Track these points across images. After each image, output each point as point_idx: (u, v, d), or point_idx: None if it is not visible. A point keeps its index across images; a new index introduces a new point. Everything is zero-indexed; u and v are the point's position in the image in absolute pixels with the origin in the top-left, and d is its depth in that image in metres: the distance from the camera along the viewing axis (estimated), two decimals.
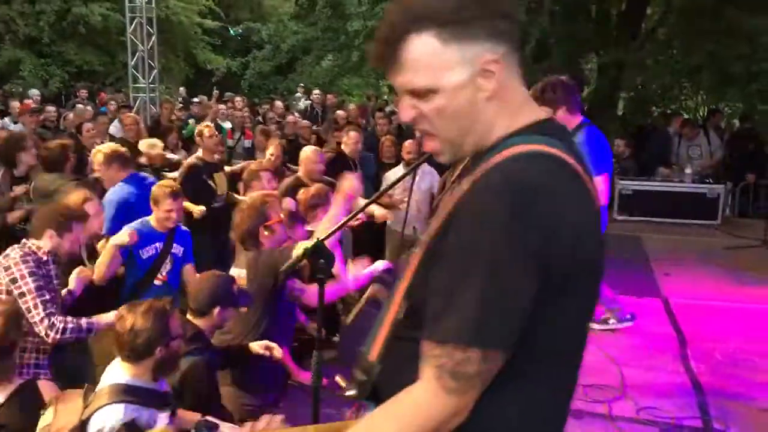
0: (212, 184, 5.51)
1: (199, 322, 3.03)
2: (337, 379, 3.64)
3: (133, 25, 11.46)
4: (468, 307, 1.07)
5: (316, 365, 2.10)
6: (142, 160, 6.15)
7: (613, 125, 12.46)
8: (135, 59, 11.46)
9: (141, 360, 2.36)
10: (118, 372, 2.41)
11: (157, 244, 4.02)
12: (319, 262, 1.87)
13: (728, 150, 9.82)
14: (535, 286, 1.08)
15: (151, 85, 11.54)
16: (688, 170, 8.32)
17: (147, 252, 3.98)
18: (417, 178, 6.94)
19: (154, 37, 11.62)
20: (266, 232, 3.56)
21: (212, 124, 6.70)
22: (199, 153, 5.73)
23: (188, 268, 4.14)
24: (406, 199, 6.95)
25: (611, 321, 4.76)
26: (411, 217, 7.00)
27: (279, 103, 12.92)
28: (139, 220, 4.07)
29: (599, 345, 4.42)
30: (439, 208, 1.24)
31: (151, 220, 4.06)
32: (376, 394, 1.26)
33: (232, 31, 23.43)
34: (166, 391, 2.57)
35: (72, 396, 2.49)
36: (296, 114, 11.34)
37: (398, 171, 7.18)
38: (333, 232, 2.12)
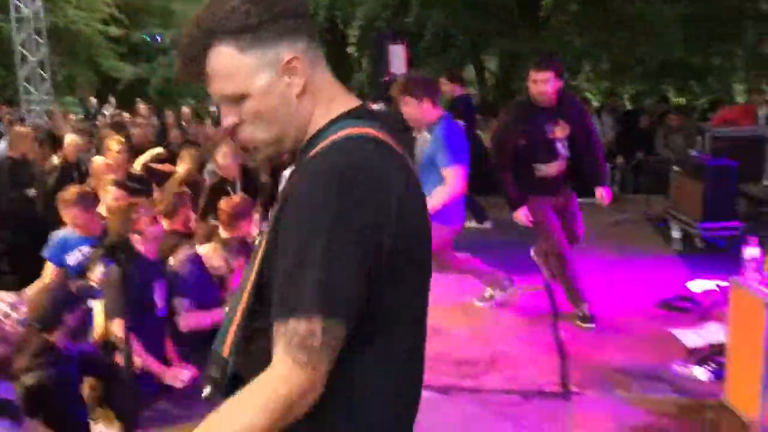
0: None
1: (53, 336, 3.00)
2: None
3: (23, 36, 11.11)
4: (307, 284, 1.12)
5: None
6: None
7: None
8: (26, 71, 11.11)
9: None
10: None
11: (83, 248, 3.96)
12: (120, 258, 1.92)
13: (619, 129, 10.34)
14: (369, 258, 1.15)
15: (45, 97, 11.22)
16: None
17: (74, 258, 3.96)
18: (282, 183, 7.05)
19: (44, 49, 11.29)
20: (136, 235, 3.59)
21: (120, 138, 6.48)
22: None
23: None
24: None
25: (496, 293, 4.93)
26: None
27: (185, 109, 12.77)
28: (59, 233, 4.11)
29: (473, 322, 4.60)
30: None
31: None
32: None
33: (145, 36, 22.90)
34: (9, 400, 2.55)
35: None
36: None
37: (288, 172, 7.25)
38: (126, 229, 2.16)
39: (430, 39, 11.31)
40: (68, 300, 2.99)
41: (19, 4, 11.24)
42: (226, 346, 1.26)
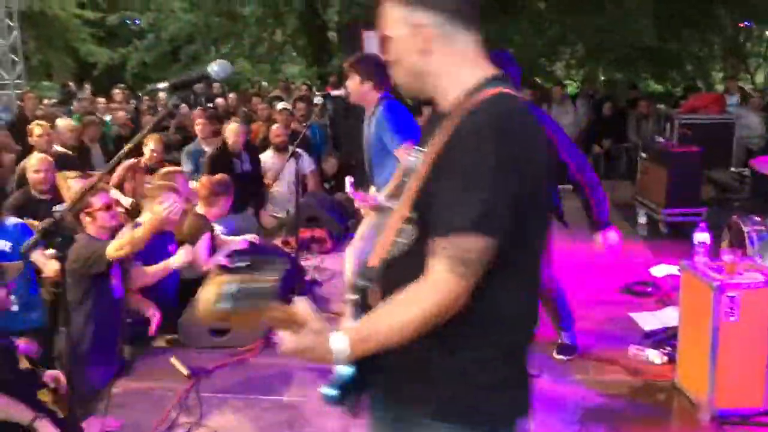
0: None
1: None
2: (172, 360, 3.70)
3: None
4: (470, 205, 1.35)
5: None
6: None
7: None
8: None
9: None
10: None
11: None
12: (56, 240, 1.92)
13: (593, 117, 10.41)
14: (518, 188, 1.39)
15: (17, 82, 11.08)
16: None
17: None
18: (288, 161, 7.04)
19: (15, 31, 11.14)
20: (88, 218, 3.63)
21: (44, 123, 6.51)
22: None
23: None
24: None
25: None
26: (283, 199, 7.12)
27: (162, 94, 12.65)
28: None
29: None
30: (432, 140, 1.50)
31: None
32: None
33: (123, 20, 22.57)
34: None
35: None
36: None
37: (268, 155, 7.23)
38: (74, 203, 2.16)
39: None
40: None
41: None
42: (374, 258, 1.51)
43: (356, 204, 3.98)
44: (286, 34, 19.33)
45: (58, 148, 6.38)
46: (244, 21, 16.37)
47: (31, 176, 4.92)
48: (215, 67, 1.84)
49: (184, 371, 3.70)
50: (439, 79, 1.57)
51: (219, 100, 10.92)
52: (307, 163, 7.28)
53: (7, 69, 11.02)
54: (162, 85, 2.63)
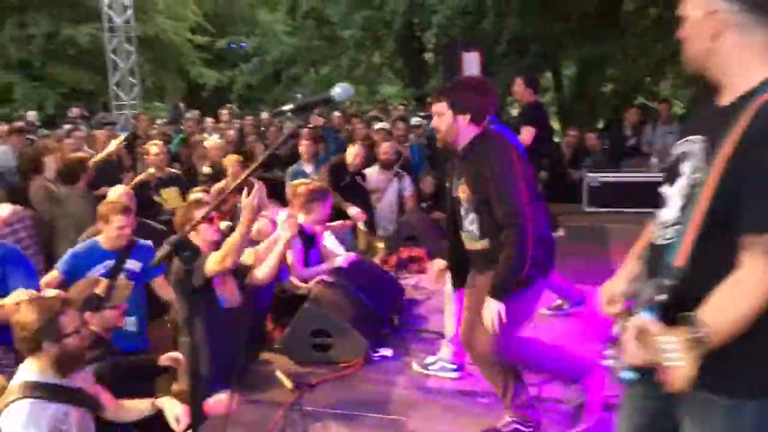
0: (159, 198, 5.76)
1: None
2: (277, 373, 3.79)
3: (114, 44, 11.72)
4: None
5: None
6: None
7: (588, 119, 12.59)
8: (117, 77, 11.72)
9: (32, 354, 2.51)
10: (27, 368, 2.57)
11: (108, 263, 4.04)
12: (184, 254, 2.02)
13: None
14: None
15: (133, 102, 11.79)
16: (654, 160, 8.42)
17: (97, 272, 3.96)
18: (392, 180, 7.15)
19: (134, 56, 11.88)
20: (191, 232, 3.76)
21: (159, 143, 6.94)
22: (151, 169, 6.04)
23: (159, 281, 4.19)
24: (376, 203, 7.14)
25: (565, 307, 4.89)
26: (383, 217, 7.21)
27: (265, 114, 13.13)
28: (86, 242, 4.14)
29: (538, 330, 4.51)
30: (716, 132, 1.59)
31: (100, 239, 4.11)
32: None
33: (229, 44, 23.63)
34: (80, 388, 2.70)
35: None
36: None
37: (373, 171, 7.31)
38: (195, 225, 2.27)
39: (505, 45, 11.22)
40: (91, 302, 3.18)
41: (111, 13, 11.85)
42: (680, 257, 1.61)
43: None
44: (383, 56, 19.70)
45: (170, 169, 6.78)
46: (344, 44, 16.79)
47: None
48: (338, 90, 1.90)
49: (289, 385, 3.78)
50: (728, 69, 1.64)
51: (319, 120, 11.19)
52: (408, 184, 7.35)
53: (126, 90, 11.77)
54: (287, 107, 2.67)
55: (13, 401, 2.45)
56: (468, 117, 3.11)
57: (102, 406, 2.78)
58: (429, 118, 5.57)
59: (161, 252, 2.03)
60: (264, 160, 2.09)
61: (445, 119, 3.14)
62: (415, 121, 10.27)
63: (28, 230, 5.07)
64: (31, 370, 2.55)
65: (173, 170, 6.91)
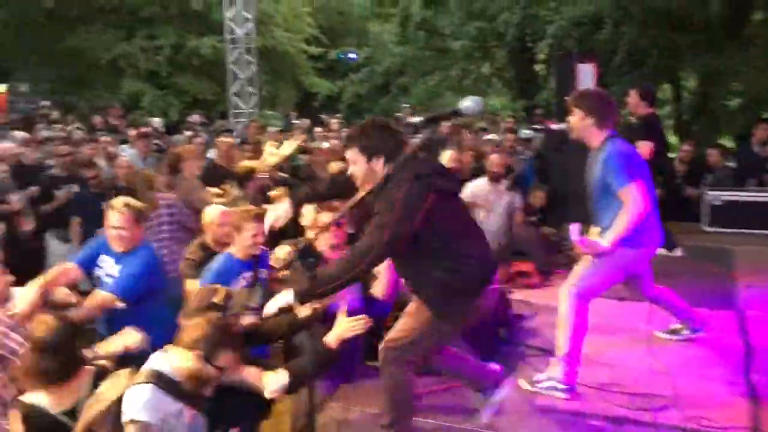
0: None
1: None
2: None
3: (234, 55, 12.28)
4: None
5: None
6: None
7: (713, 134, 11.96)
8: (236, 87, 12.25)
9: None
10: (164, 358, 2.71)
11: (246, 274, 3.85)
12: (308, 261, 2.09)
13: None
14: None
15: (251, 110, 12.29)
16: None
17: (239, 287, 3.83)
18: (501, 193, 7.04)
19: (253, 66, 12.39)
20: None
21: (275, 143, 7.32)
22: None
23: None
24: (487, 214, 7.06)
25: (684, 332, 4.67)
26: (494, 232, 7.11)
27: None
28: (219, 258, 3.97)
29: (654, 354, 4.35)
30: None
31: (233, 250, 3.94)
32: None
33: (340, 56, 24.22)
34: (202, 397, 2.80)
35: (122, 372, 2.81)
36: None
37: (481, 183, 7.23)
38: (329, 225, 2.34)
39: (622, 57, 10.86)
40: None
41: (233, 25, 12.43)
42: None
43: (578, 250, 3.90)
44: (493, 67, 19.56)
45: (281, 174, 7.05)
46: (453, 55, 16.79)
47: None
48: (468, 103, 1.91)
49: None
50: None
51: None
52: (518, 197, 7.24)
53: (245, 99, 12.27)
54: (416, 119, 2.74)
55: (141, 382, 2.61)
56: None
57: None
58: (540, 130, 5.45)
59: (288, 259, 2.11)
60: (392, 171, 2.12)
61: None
62: (525, 134, 10.12)
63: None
64: (167, 361, 2.69)
65: (282, 174, 7.16)
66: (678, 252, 6.78)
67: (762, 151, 8.73)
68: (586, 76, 8.52)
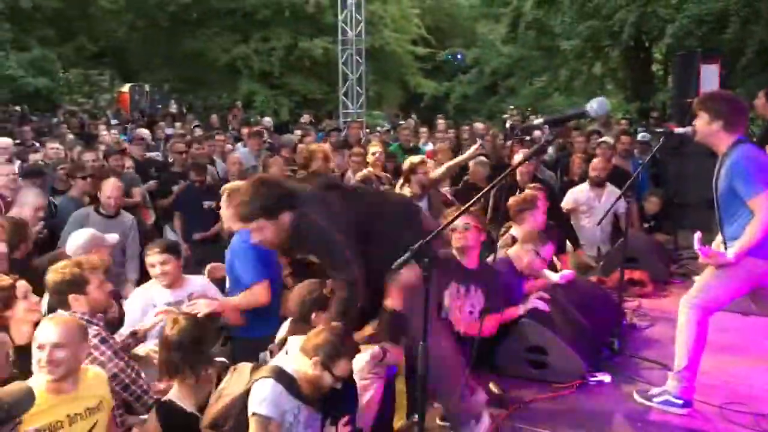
0: None
1: None
2: (491, 385, 3.79)
3: (345, 56, 12.52)
4: None
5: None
6: None
7: None
8: (346, 87, 12.50)
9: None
10: (290, 358, 2.81)
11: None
12: (423, 261, 2.09)
13: None
14: None
15: (359, 110, 12.50)
16: None
17: None
18: (603, 198, 6.82)
19: (362, 67, 12.60)
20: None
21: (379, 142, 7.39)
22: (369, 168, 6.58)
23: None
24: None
25: None
26: (594, 236, 6.89)
27: (478, 125, 13.22)
28: None
29: None
30: None
31: None
32: None
33: (447, 56, 24.23)
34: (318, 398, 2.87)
35: (244, 368, 2.94)
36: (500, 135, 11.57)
37: (583, 188, 7.05)
38: (436, 234, 2.33)
39: (749, 57, 10.22)
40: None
41: (345, 27, 12.68)
42: None
43: (701, 259, 3.70)
44: (606, 67, 18.93)
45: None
46: (563, 55, 16.38)
47: None
48: (594, 105, 1.85)
49: (497, 391, 3.77)
50: None
51: (536, 133, 11.01)
52: (623, 203, 6.94)
53: (353, 99, 12.50)
54: (538, 121, 2.68)
55: (265, 377, 2.71)
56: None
57: None
58: (661, 134, 5.18)
59: (402, 258, 2.12)
60: (513, 169, 2.09)
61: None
62: (643, 136, 9.70)
63: None
64: (294, 360, 2.78)
65: (385, 173, 7.22)
66: None
67: None
68: (710, 77, 8.10)
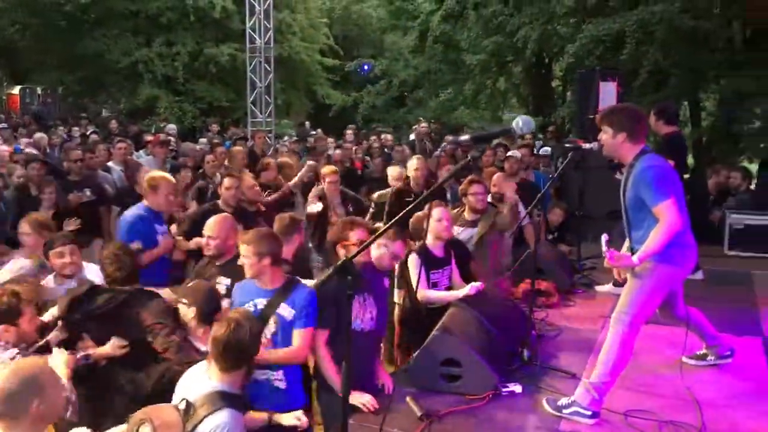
0: None
1: None
2: (408, 399, 3.75)
3: (253, 63, 12.30)
4: None
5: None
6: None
7: (731, 157, 11.84)
8: (254, 95, 12.28)
9: (238, 369, 2.61)
10: (211, 380, 2.67)
11: (258, 301, 3.69)
12: (347, 279, 2.02)
13: None
14: None
15: (267, 119, 12.30)
16: None
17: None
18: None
19: (271, 75, 12.41)
20: (342, 250, 3.80)
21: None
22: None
23: (299, 333, 3.63)
24: None
25: (710, 358, 4.56)
26: None
27: (388, 136, 13.32)
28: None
29: (684, 381, 4.24)
30: None
31: None
32: None
33: (353, 66, 24.25)
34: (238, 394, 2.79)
35: (163, 410, 2.70)
36: (405, 146, 11.68)
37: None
38: (359, 252, 2.26)
39: (645, 77, 10.78)
40: None
41: (254, 34, 12.44)
42: None
43: (606, 263, 3.81)
44: (509, 82, 19.52)
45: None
46: (468, 69, 16.75)
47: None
48: (519, 123, 1.86)
49: (418, 412, 3.73)
50: None
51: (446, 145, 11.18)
52: (522, 214, 7.13)
53: (261, 108, 12.28)
54: (463, 137, 2.71)
55: (215, 411, 2.55)
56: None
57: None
58: (570, 149, 5.32)
59: (324, 275, 2.04)
60: (436, 188, 2.06)
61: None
62: (543, 150, 10.04)
63: None
64: (219, 382, 2.66)
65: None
66: (699, 275, 6.67)
67: None
68: (609, 94, 8.45)
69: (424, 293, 4.80)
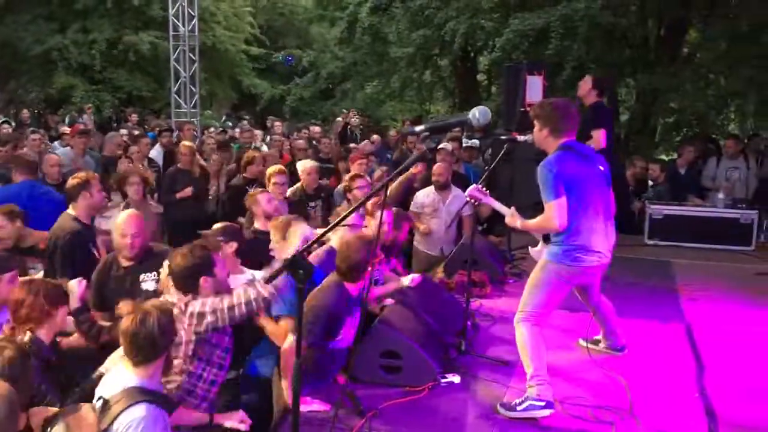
0: None
1: None
2: (348, 393, 3.69)
3: (176, 52, 11.93)
4: None
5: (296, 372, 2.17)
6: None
7: (649, 150, 12.35)
8: (177, 85, 11.91)
9: (151, 362, 2.51)
10: (127, 375, 2.55)
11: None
12: (298, 273, 1.97)
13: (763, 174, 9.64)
14: None
15: (192, 110, 11.96)
16: (720, 195, 8.18)
17: None
18: (447, 201, 7.05)
19: (196, 65, 12.07)
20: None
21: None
22: None
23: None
24: (431, 225, 7.05)
25: (601, 345, 4.71)
26: (439, 238, 7.11)
27: (316, 128, 13.19)
28: None
29: (610, 366, 4.39)
30: None
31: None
32: None
33: (280, 57, 23.90)
34: (169, 396, 2.70)
35: (79, 409, 2.61)
36: (332, 137, 11.62)
37: (429, 192, 7.23)
38: (310, 245, 2.22)
39: (569, 72, 11.08)
40: None
41: (177, 22, 12.07)
42: None
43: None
44: (436, 75, 19.68)
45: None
46: (395, 62, 16.77)
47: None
48: (476, 113, 1.85)
49: (358, 406, 3.71)
50: None
51: (375, 137, 11.19)
52: (468, 206, 7.23)
53: (186, 98, 11.93)
54: (419, 128, 2.71)
55: (130, 406, 2.44)
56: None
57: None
58: (505, 141, 5.33)
59: (274, 270, 1.99)
60: (389, 180, 2.03)
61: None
62: (471, 143, 10.16)
63: None
64: (135, 376, 2.55)
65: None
66: None
67: (687, 169, 9.08)
68: (535, 87, 8.60)
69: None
